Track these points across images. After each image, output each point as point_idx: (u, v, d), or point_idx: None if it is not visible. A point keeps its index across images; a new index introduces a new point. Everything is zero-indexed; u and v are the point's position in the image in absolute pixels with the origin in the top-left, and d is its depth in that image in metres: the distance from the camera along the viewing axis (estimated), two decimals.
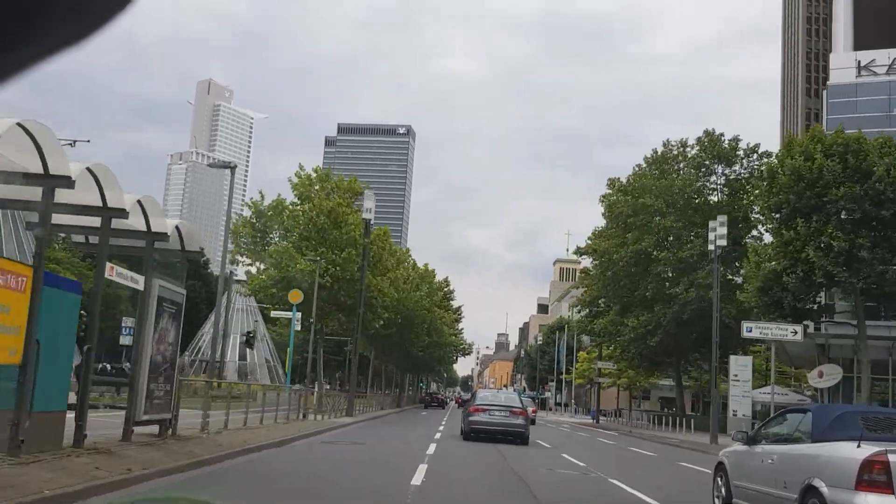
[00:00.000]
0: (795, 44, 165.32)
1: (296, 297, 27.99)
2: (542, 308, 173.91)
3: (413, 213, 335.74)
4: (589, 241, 52.62)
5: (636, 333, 46.48)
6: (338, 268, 31.32)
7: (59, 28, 0.90)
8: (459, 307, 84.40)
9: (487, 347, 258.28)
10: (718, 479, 11.01)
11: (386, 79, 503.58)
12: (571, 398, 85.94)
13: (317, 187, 32.69)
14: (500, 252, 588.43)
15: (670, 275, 47.96)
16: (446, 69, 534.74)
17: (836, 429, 8.52)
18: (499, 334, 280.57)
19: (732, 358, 45.10)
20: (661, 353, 51.51)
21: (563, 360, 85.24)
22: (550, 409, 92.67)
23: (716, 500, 11.00)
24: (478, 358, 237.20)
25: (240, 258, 32.46)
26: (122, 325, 42.81)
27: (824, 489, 7.74)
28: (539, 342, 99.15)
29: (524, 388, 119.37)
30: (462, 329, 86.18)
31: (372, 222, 33.52)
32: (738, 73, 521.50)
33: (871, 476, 7.30)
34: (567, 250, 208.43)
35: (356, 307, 31.91)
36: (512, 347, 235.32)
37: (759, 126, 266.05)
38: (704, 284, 44.17)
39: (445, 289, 76.11)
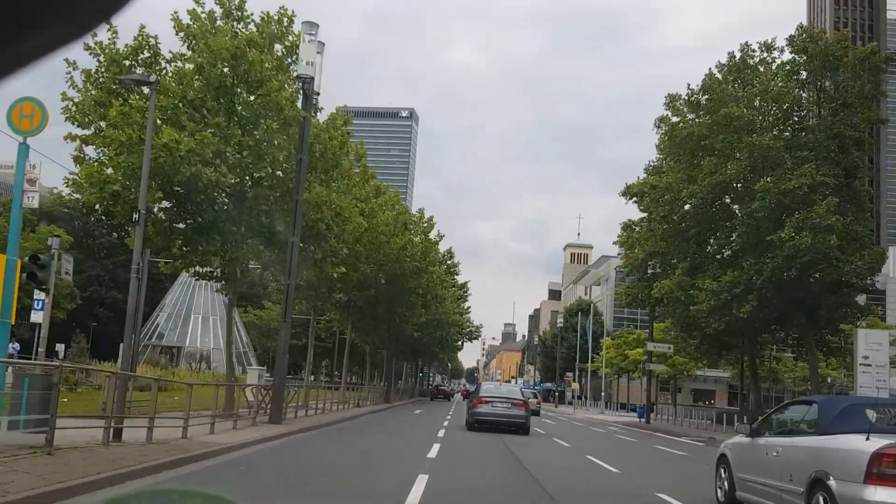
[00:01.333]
0: (822, 11, 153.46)
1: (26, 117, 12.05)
2: (555, 294, 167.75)
3: (415, 205, 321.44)
4: (646, 176, 38.87)
5: (718, 300, 32.66)
6: (246, 153, 17.52)
7: (59, 24, 0.89)
8: (466, 283, 70.74)
9: (493, 338, 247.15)
10: (721, 470, 10.74)
11: (389, 72, 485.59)
12: (603, 390, 72.17)
13: (225, 34, 18.51)
14: (504, 243, 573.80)
15: (756, 217, 34.07)
16: (451, 63, 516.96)
17: (844, 421, 8.10)
18: (506, 324, 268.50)
19: (860, 332, 31.71)
20: (731, 332, 38.04)
21: (589, 345, 71.69)
22: (569, 403, 79.07)
23: (718, 492, 10.72)
24: (483, 349, 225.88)
25: (85, 149, 18.41)
26: None
27: (832, 482, 7.49)
28: (560, 325, 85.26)
29: (540, 379, 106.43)
30: (469, 308, 72.44)
31: (318, 90, 19.52)
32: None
33: (880, 469, 7.07)
34: (578, 235, 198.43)
35: (289, 235, 18.12)
36: (520, 338, 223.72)
37: None
38: (822, 227, 30.53)
39: (449, 261, 62.40)
